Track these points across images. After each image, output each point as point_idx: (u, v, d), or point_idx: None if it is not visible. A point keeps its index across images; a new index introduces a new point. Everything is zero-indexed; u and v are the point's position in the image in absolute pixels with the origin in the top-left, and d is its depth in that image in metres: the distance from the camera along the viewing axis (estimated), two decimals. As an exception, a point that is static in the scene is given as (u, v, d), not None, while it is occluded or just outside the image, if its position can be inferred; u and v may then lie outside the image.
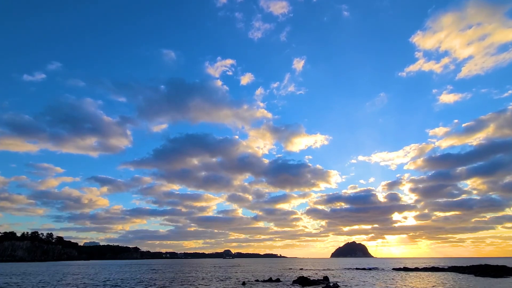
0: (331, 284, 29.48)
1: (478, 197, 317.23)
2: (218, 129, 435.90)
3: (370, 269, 61.82)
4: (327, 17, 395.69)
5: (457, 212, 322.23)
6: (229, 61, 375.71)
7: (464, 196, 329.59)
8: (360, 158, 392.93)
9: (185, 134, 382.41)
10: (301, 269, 63.92)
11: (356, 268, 63.98)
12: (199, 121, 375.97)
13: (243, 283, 31.25)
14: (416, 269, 57.21)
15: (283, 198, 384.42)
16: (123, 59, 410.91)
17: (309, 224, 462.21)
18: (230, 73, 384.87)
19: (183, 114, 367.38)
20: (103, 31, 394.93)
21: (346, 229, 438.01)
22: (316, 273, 47.46)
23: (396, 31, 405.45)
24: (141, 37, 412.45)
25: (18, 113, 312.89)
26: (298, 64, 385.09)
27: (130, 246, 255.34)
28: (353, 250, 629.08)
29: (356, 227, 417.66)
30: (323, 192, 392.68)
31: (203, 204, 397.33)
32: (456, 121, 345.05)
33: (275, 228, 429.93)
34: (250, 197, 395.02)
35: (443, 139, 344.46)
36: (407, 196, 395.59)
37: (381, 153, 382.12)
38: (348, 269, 62.97)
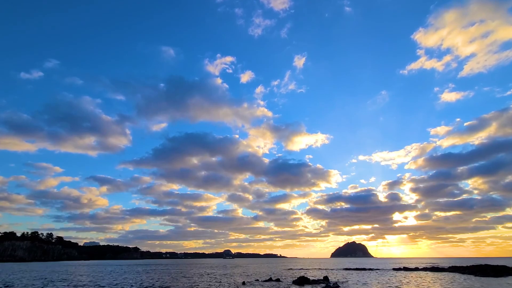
0: (331, 284, 29.33)
1: (479, 197, 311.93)
2: (218, 128, 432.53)
3: (370, 269, 61.55)
4: (329, 13, 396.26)
5: (457, 212, 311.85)
6: (229, 59, 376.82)
7: (465, 196, 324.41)
8: (361, 157, 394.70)
9: (184, 133, 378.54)
10: (301, 269, 63.81)
11: (356, 268, 63.44)
12: (199, 120, 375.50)
13: (243, 283, 31.06)
14: (416, 269, 56.98)
15: (283, 198, 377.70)
16: (121, 56, 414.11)
17: (309, 224, 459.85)
18: (230, 71, 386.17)
19: (183, 113, 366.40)
20: (101, 28, 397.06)
21: (346, 229, 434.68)
22: (316, 273, 47.38)
23: (398, 28, 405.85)
24: (140, 34, 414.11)
25: (16, 112, 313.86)
26: (299, 62, 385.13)
27: (130, 246, 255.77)
28: (353, 250, 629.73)
29: (356, 227, 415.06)
30: (323, 191, 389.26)
31: (203, 204, 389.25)
32: (458, 119, 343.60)
33: (275, 228, 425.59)
34: (250, 197, 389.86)
35: (445, 138, 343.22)
36: (408, 196, 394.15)
37: (381, 153, 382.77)
38: (348, 269, 62.58)
